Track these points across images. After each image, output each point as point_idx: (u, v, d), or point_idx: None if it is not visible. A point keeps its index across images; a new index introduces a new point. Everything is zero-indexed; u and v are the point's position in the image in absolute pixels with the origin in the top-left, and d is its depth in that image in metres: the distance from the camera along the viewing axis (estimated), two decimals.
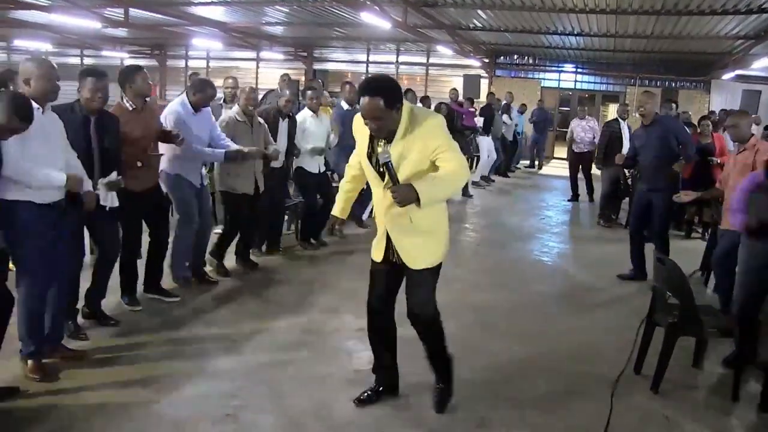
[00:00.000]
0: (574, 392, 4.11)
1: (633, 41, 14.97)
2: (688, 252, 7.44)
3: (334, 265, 6.65)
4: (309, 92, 7.06)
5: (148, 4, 13.51)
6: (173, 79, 22.79)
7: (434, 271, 3.49)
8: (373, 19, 11.71)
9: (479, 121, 13.01)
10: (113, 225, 4.65)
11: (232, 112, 5.98)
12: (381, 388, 3.79)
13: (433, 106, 11.06)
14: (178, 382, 3.90)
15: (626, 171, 9.72)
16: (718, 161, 7.99)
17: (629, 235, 6.79)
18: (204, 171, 5.68)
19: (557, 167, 18.03)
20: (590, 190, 11.97)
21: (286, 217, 7.42)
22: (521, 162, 17.15)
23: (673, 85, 18.22)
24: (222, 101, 7.38)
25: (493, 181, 13.92)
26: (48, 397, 3.62)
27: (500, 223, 9.69)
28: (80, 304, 4.58)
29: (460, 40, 16.75)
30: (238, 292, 5.64)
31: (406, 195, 3.08)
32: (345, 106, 7.81)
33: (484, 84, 19.40)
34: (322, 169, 7.17)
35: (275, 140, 6.28)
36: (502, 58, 20.13)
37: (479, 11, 13.23)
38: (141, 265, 5.18)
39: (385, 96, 3.11)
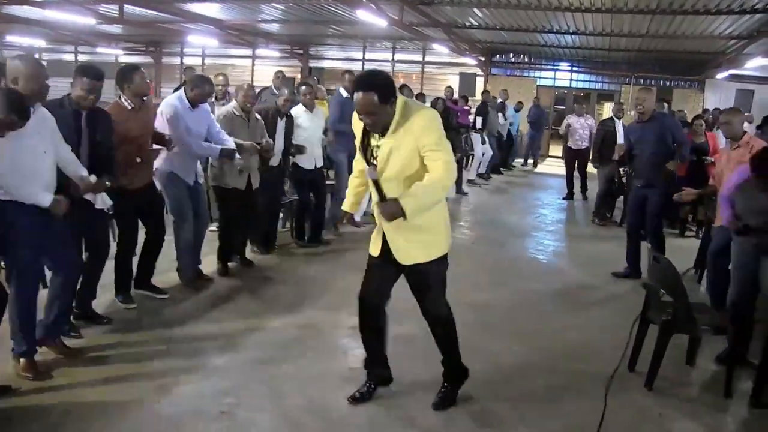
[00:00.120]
0: (569, 389, 4.12)
1: (628, 40, 15.01)
2: (682, 250, 7.46)
3: (330, 263, 6.65)
4: (303, 88, 7.05)
5: (143, 1, 13.47)
6: (168, 77, 22.75)
7: (435, 269, 3.49)
8: (369, 17, 11.71)
9: (479, 120, 13.00)
10: (104, 223, 4.65)
11: (230, 106, 5.99)
12: (374, 385, 3.80)
13: (428, 103, 11.05)
14: (173, 380, 3.90)
15: (621, 169, 9.75)
16: (712, 160, 8.02)
17: (626, 233, 6.81)
18: (200, 168, 5.65)
19: (552, 165, 18.08)
20: (584, 188, 12.01)
21: (281, 215, 7.42)
22: (516, 160, 17.16)
23: (668, 84, 18.28)
24: (213, 98, 7.37)
25: (491, 177, 13.95)
26: (41, 396, 3.61)
27: (496, 221, 9.70)
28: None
29: (456, 38, 16.76)
30: (233, 290, 5.64)
31: (391, 212, 3.14)
32: (344, 93, 7.81)
33: (479, 82, 19.47)
34: (319, 164, 7.16)
35: (273, 139, 6.28)
36: (497, 56, 20.15)
37: (475, 9, 13.24)
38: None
39: (379, 91, 3.12)
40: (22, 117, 3.42)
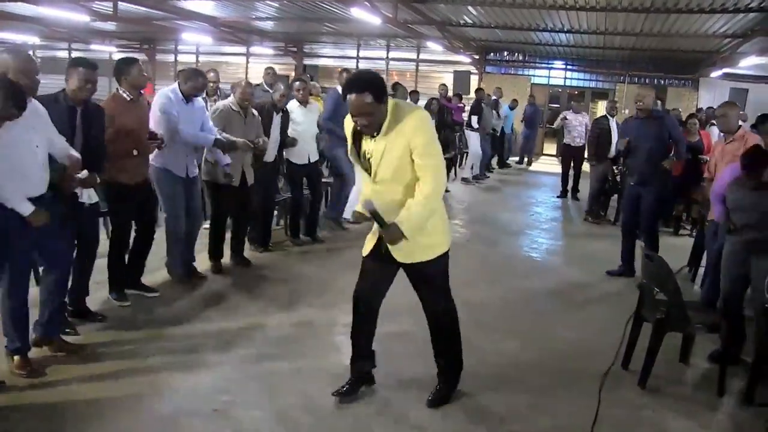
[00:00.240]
0: (563, 387, 4.13)
1: (622, 39, 15.02)
2: (675, 248, 7.48)
3: (324, 261, 6.65)
4: (297, 83, 7.05)
5: None
6: (163, 74, 22.64)
7: (436, 265, 3.52)
8: (363, 15, 11.70)
9: (474, 119, 12.99)
10: (94, 220, 4.64)
11: (227, 101, 5.98)
12: (358, 380, 3.80)
13: (423, 102, 11.07)
14: (166, 377, 3.89)
15: (614, 168, 9.78)
16: (708, 159, 8.04)
17: (621, 232, 6.80)
18: (195, 162, 5.63)
19: (546, 163, 18.11)
20: (576, 188, 11.98)
21: (275, 213, 7.41)
22: (510, 158, 17.16)
23: (662, 82, 18.31)
24: (204, 94, 7.35)
25: (488, 177, 13.95)
26: (35, 393, 3.60)
27: (490, 219, 9.71)
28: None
29: (450, 36, 16.76)
30: (227, 288, 5.63)
31: (394, 237, 3.24)
32: (341, 91, 7.82)
33: (474, 80, 19.44)
34: (313, 158, 7.14)
35: (269, 134, 6.28)
36: (492, 54, 20.16)
37: (469, 7, 13.24)
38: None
39: (373, 91, 3.13)
40: (20, 107, 3.41)
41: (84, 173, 4.09)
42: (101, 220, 5.17)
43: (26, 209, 3.57)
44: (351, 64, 21.33)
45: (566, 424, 3.69)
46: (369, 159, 3.33)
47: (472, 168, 13.31)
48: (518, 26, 14.85)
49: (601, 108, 19.61)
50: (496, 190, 12.76)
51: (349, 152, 3.54)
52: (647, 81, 18.26)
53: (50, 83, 4.05)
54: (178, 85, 5.35)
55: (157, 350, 4.28)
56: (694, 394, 4.18)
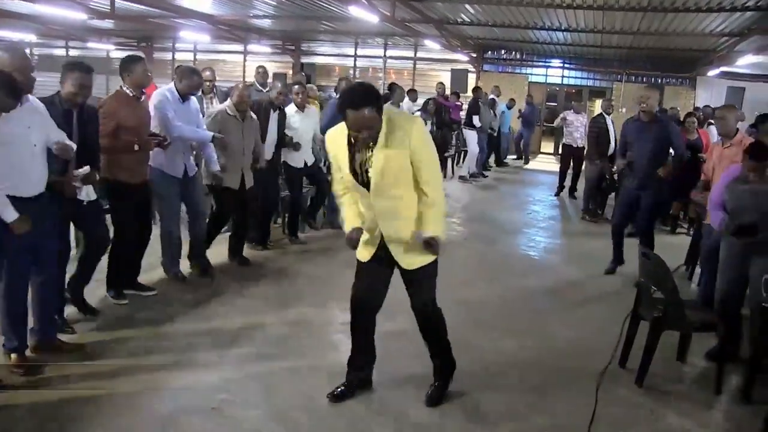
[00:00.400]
0: (560, 386, 4.14)
1: (620, 37, 15.02)
2: (673, 247, 7.50)
3: (322, 259, 6.64)
4: (296, 87, 7.04)
5: None
6: (160, 72, 22.57)
7: (432, 270, 3.55)
8: (361, 13, 11.68)
9: (475, 119, 12.99)
10: (99, 218, 4.64)
11: (223, 105, 5.96)
12: (354, 383, 3.81)
13: (421, 100, 11.06)
14: (164, 376, 3.90)
15: (611, 166, 9.77)
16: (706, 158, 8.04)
17: (611, 230, 6.80)
18: (192, 160, 5.63)
19: (543, 162, 18.12)
20: (574, 187, 11.97)
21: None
22: (508, 156, 17.16)
23: (659, 81, 18.30)
24: (200, 93, 7.34)
25: (485, 176, 13.95)
26: (33, 391, 3.60)
27: (487, 218, 9.71)
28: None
29: (447, 34, 16.75)
30: (225, 287, 5.63)
31: (437, 248, 3.36)
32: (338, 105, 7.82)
33: (471, 78, 19.44)
34: (310, 162, 7.15)
35: (265, 132, 6.27)
36: (489, 52, 20.14)
37: (467, 6, 13.23)
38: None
39: (374, 103, 3.14)
40: (15, 97, 3.41)
41: (85, 169, 4.12)
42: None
43: (9, 216, 3.54)
44: (348, 63, 21.37)
45: (564, 423, 3.70)
46: (366, 171, 3.32)
47: (470, 166, 13.32)
48: (516, 24, 14.84)
49: (598, 107, 19.66)
50: (493, 189, 12.76)
51: (334, 170, 3.52)
52: (644, 80, 18.26)
53: (47, 81, 4.04)
54: (174, 84, 5.35)
55: (155, 349, 4.28)
56: (692, 393, 4.19)
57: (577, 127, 11.49)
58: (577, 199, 11.58)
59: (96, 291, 4.91)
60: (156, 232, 5.46)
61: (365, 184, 3.34)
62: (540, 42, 17.51)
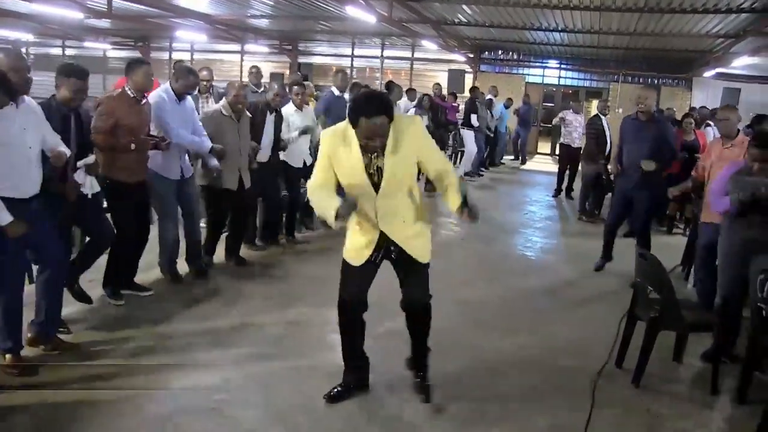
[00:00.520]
0: (557, 386, 4.15)
1: (616, 38, 15.05)
2: (669, 247, 7.51)
3: (319, 259, 6.64)
4: (296, 87, 7.05)
5: None
6: (157, 72, 22.35)
7: (428, 264, 3.62)
8: (358, 13, 11.68)
9: (473, 118, 12.99)
10: (101, 214, 4.69)
11: (218, 105, 5.96)
12: (353, 384, 3.82)
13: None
14: (162, 376, 3.90)
15: (608, 166, 9.78)
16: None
17: (604, 229, 6.82)
18: (187, 161, 5.63)
19: (540, 162, 18.14)
20: (570, 187, 11.98)
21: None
22: (504, 157, 17.18)
23: (656, 81, 18.34)
24: (197, 92, 7.34)
25: (482, 175, 13.96)
26: (29, 392, 3.60)
27: (484, 218, 9.68)
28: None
29: (444, 35, 16.76)
30: (223, 287, 5.63)
31: (477, 212, 3.35)
32: (336, 92, 7.86)
33: (468, 79, 19.45)
34: (308, 162, 7.15)
35: (262, 134, 6.28)
36: (486, 53, 20.16)
37: (464, 6, 13.24)
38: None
39: (387, 113, 3.18)
40: (8, 94, 3.41)
41: (91, 158, 4.23)
42: None
43: (3, 219, 3.55)
44: (346, 63, 21.35)
45: (561, 423, 3.71)
46: (371, 174, 3.34)
47: (465, 167, 13.32)
48: (513, 25, 14.85)
49: (594, 107, 19.70)
50: (490, 189, 12.77)
51: (321, 168, 3.43)
52: (641, 80, 18.30)
53: (44, 80, 4.06)
54: (170, 83, 5.35)
55: (153, 349, 4.28)
56: (688, 393, 4.20)
57: (575, 127, 11.46)
58: (573, 199, 11.59)
59: (92, 291, 4.90)
60: (153, 232, 5.45)
61: (375, 187, 3.36)
62: (537, 43, 17.53)
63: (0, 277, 3.71)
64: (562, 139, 11.88)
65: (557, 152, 13.26)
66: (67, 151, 3.96)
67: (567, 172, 11.94)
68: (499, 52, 20.03)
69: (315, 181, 3.48)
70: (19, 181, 3.65)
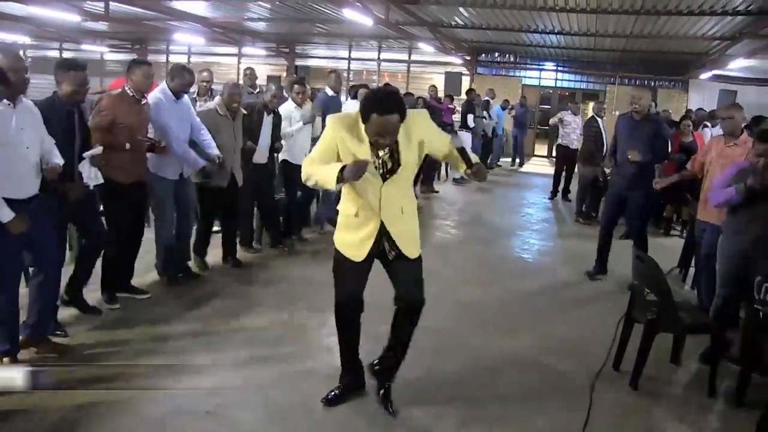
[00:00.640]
0: (555, 388, 4.15)
1: (613, 40, 15.09)
2: (666, 249, 7.53)
3: (316, 262, 6.64)
4: (296, 86, 7.07)
5: None
6: (155, 74, 22.56)
7: (421, 257, 3.60)
8: (355, 16, 11.71)
9: (469, 118, 13.00)
10: (97, 214, 4.71)
11: (213, 103, 5.97)
12: (350, 386, 3.81)
13: None
14: (159, 379, 3.89)
15: (605, 169, 9.80)
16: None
17: (599, 231, 6.75)
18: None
19: (537, 165, 18.16)
20: (567, 189, 11.99)
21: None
22: (501, 159, 17.20)
23: (652, 84, 18.38)
24: (195, 95, 7.35)
25: None
26: (25, 395, 3.55)
27: (482, 220, 9.73)
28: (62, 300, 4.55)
29: (441, 37, 16.78)
30: (220, 289, 5.62)
31: (485, 171, 3.50)
32: (330, 92, 7.88)
33: (465, 81, 19.47)
34: None
35: (259, 135, 6.28)
36: (483, 55, 20.19)
37: (461, 9, 13.26)
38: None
39: (401, 111, 3.18)
40: (4, 85, 3.43)
41: (98, 149, 4.29)
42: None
43: (5, 216, 3.55)
44: (343, 65, 21.37)
45: (559, 426, 3.71)
46: (378, 168, 3.35)
47: None
48: (509, 27, 14.88)
49: (590, 109, 19.71)
50: (487, 191, 12.77)
51: (323, 151, 3.36)
52: (637, 82, 18.34)
53: (41, 83, 4.07)
54: (166, 82, 5.36)
55: (149, 352, 4.28)
56: (685, 395, 4.21)
57: (573, 129, 11.43)
58: (570, 201, 11.60)
59: (89, 295, 4.89)
60: (150, 235, 5.45)
61: (383, 176, 3.36)
62: (533, 45, 17.56)
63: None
64: (559, 140, 11.85)
65: (554, 154, 13.21)
66: (61, 161, 3.96)
67: (564, 173, 11.94)
68: (496, 54, 20.07)
69: (314, 156, 3.40)
70: (18, 181, 3.65)
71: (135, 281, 5.30)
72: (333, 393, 3.76)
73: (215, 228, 6.45)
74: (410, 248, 3.52)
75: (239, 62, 22.04)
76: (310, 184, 3.41)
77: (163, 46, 22.95)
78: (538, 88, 20.34)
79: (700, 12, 10.79)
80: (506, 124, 16.97)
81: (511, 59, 20.10)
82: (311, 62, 22.34)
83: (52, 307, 4.20)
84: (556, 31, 14.66)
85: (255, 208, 6.80)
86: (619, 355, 4.44)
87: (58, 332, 4.35)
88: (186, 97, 5.56)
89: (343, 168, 3.14)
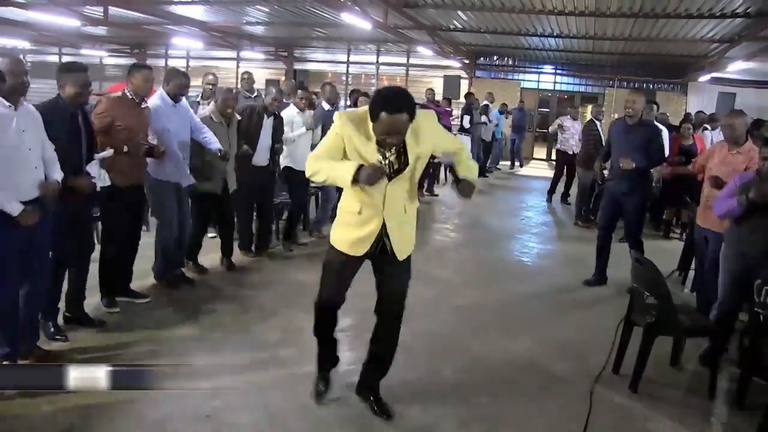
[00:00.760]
0: (554, 391, 4.15)
1: (611, 43, 15.10)
2: (666, 252, 7.53)
3: (314, 265, 6.54)
4: (300, 92, 7.08)
5: (127, 3, 13.39)
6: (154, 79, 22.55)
7: (410, 259, 3.59)
8: (353, 20, 11.71)
9: (466, 119, 13.00)
10: (89, 224, 4.70)
11: (206, 111, 5.97)
12: (329, 376, 3.85)
13: None
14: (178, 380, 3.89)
15: (604, 172, 9.79)
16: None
17: (597, 235, 6.69)
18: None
19: (536, 168, 18.16)
20: (567, 192, 11.98)
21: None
22: (500, 163, 17.19)
23: (651, 86, 18.40)
24: (199, 98, 7.34)
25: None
26: (24, 399, 3.55)
27: (481, 224, 9.74)
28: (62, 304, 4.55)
29: (440, 41, 16.80)
30: (218, 293, 5.62)
31: (473, 189, 3.42)
32: (326, 106, 7.84)
33: (464, 85, 19.48)
34: None
35: (258, 138, 6.29)
36: (482, 59, 20.21)
37: (459, 12, 13.28)
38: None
39: (411, 110, 3.17)
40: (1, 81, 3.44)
41: (109, 152, 4.39)
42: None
43: (15, 209, 3.57)
44: (341, 69, 21.40)
45: (559, 429, 3.71)
46: (385, 167, 3.32)
47: None
48: (508, 31, 14.89)
49: (589, 112, 19.72)
50: (486, 195, 12.77)
51: (330, 148, 3.33)
52: (636, 85, 18.35)
53: (41, 87, 4.07)
54: (163, 87, 5.37)
55: (147, 354, 4.28)
56: (686, 398, 4.20)
57: (572, 134, 11.39)
58: (570, 204, 11.60)
59: (87, 299, 4.89)
60: (149, 239, 5.44)
61: (388, 177, 3.33)
62: (532, 48, 17.58)
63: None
64: (558, 146, 11.86)
65: (553, 157, 13.20)
66: (60, 177, 3.95)
67: (563, 178, 11.93)
68: (495, 57, 20.08)
69: (320, 152, 3.36)
70: (20, 183, 3.65)
71: (134, 285, 5.29)
72: (320, 387, 3.78)
73: (212, 234, 6.46)
74: (405, 249, 3.51)
75: (238, 66, 22.05)
76: (317, 179, 3.41)
77: (161, 51, 22.98)
78: (537, 92, 20.34)
79: (699, 15, 10.80)
80: (504, 127, 16.96)
81: (510, 62, 20.12)
82: (310, 66, 22.36)
83: (38, 316, 4.16)
84: (554, 34, 14.67)
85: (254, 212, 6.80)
86: (618, 358, 4.44)
87: (59, 337, 4.35)
88: (184, 100, 5.56)
89: (359, 168, 3.11)
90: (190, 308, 5.20)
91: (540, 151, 20.51)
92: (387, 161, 3.32)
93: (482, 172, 14.61)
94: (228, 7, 14.42)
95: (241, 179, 6.18)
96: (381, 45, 19.97)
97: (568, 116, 11.83)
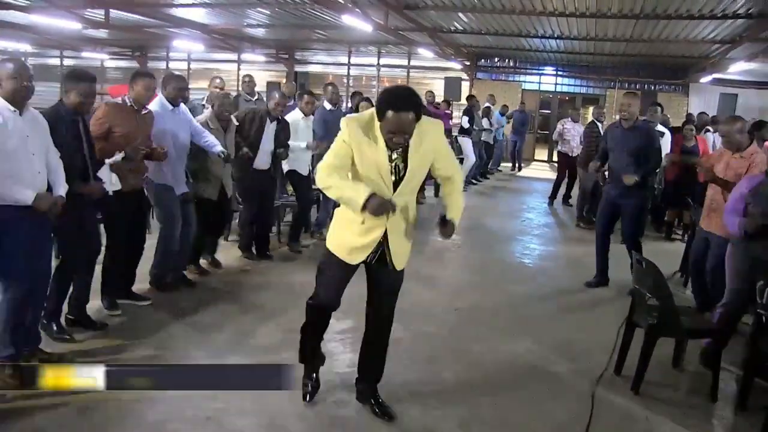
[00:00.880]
0: (556, 393, 4.14)
1: (612, 44, 15.10)
2: (667, 254, 7.51)
3: (313, 268, 6.60)
4: (306, 96, 7.09)
5: (129, 6, 13.41)
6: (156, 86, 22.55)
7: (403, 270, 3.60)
8: (354, 22, 11.72)
9: (464, 119, 13.01)
10: (96, 226, 4.69)
11: (203, 117, 5.96)
12: (317, 375, 3.83)
13: None
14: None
15: (606, 174, 9.78)
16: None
17: (596, 238, 6.65)
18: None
19: (537, 169, 18.15)
20: (568, 193, 11.96)
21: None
22: (502, 164, 17.18)
23: (652, 87, 18.41)
24: (204, 101, 7.33)
25: (481, 181, 13.99)
26: (26, 400, 3.54)
27: (481, 226, 9.71)
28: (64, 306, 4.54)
29: (441, 42, 16.81)
30: (219, 295, 5.61)
31: (453, 230, 3.49)
32: (328, 106, 7.86)
33: (465, 86, 19.49)
34: (311, 169, 7.18)
35: (260, 142, 6.28)
36: (483, 60, 20.22)
37: (460, 14, 13.28)
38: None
39: (417, 110, 3.17)
40: None
41: (118, 156, 4.43)
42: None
43: (28, 197, 3.60)
44: (342, 71, 21.43)
45: (560, 431, 3.70)
46: (393, 173, 3.32)
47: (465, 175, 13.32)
48: (509, 32, 14.90)
49: (590, 114, 19.71)
50: (486, 196, 12.77)
51: (338, 156, 3.29)
52: (637, 86, 18.36)
53: (42, 90, 4.08)
54: (161, 92, 5.36)
55: (148, 357, 4.27)
56: (688, 400, 4.18)
57: (573, 136, 11.38)
58: (571, 206, 11.59)
59: (90, 303, 4.89)
60: (153, 241, 5.44)
61: (395, 184, 3.34)
62: (533, 50, 17.59)
63: (5, 287, 3.69)
64: (560, 148, 11.86)
65: (555, 159, 13.19)
66: (64, 191, 3.94)
67: (566, 180, 11.91)
68: (496, 59, 20.10)
69: (330, 161, 3.30)
70: (21, 187, 3.64)
71: (135, 288, 5.29)
72: (309, 389, 3.76)
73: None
74: (402, 259, 3.51)
75: (239, 69, 22.04)
76: (330, 195, 3.41)
77: (163, 54, 22.97)
78: (538, 93, 20.37)
79: (700, 16, 10.80)
80: (505, 129, 16.95)
81: (511, 64, 20.15)
82: (311, 68, 22.39)
83: (37, 320, 4.14)
84: (555, 35, 14.69)
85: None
86: (620, 360, 4.43)
87: (66, 337, 4.37)
88: (183, 104, 5.55)
89: (369, 197, 3.11)
90: (191, 310, 5.19)
91: (541, 153, 20.51)
92: (393, 163, 3.31)
93: (483, 174, 14.64)
94: (229, 10, 14.44)
95: (241, 182, 6.18)
96: (382, 47, 19.98)
97: (569, 118, 11.82)
